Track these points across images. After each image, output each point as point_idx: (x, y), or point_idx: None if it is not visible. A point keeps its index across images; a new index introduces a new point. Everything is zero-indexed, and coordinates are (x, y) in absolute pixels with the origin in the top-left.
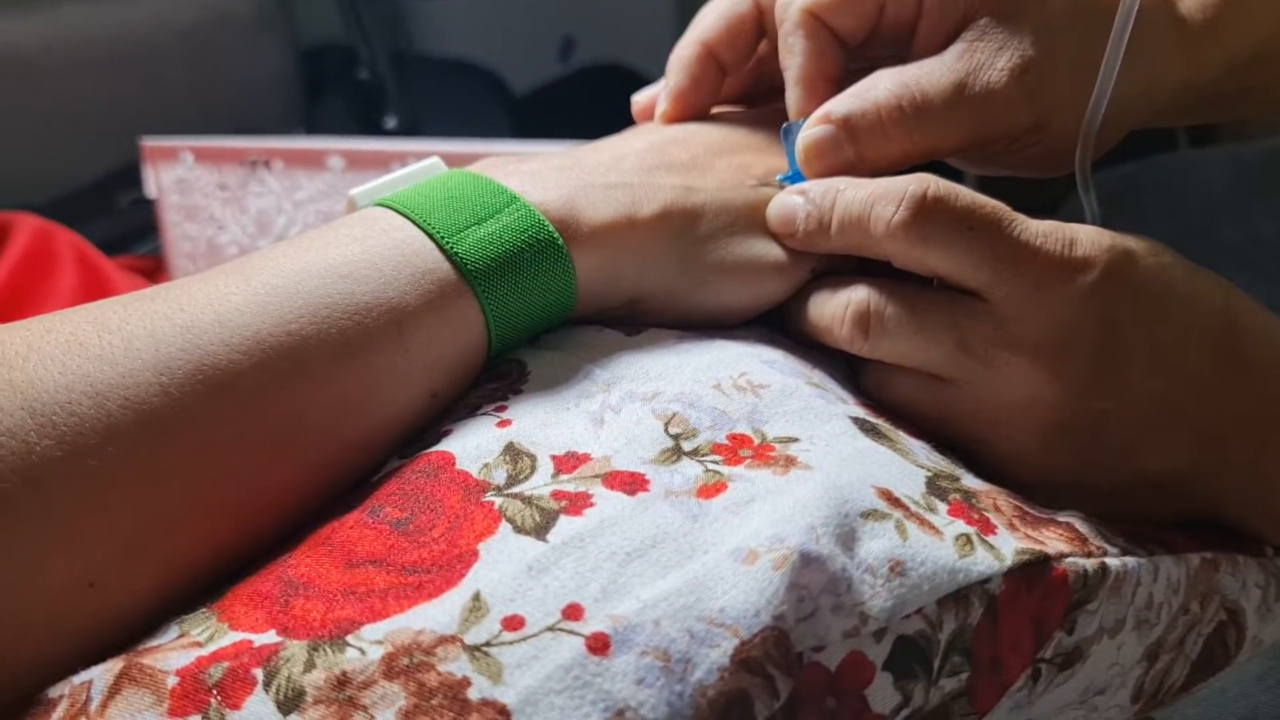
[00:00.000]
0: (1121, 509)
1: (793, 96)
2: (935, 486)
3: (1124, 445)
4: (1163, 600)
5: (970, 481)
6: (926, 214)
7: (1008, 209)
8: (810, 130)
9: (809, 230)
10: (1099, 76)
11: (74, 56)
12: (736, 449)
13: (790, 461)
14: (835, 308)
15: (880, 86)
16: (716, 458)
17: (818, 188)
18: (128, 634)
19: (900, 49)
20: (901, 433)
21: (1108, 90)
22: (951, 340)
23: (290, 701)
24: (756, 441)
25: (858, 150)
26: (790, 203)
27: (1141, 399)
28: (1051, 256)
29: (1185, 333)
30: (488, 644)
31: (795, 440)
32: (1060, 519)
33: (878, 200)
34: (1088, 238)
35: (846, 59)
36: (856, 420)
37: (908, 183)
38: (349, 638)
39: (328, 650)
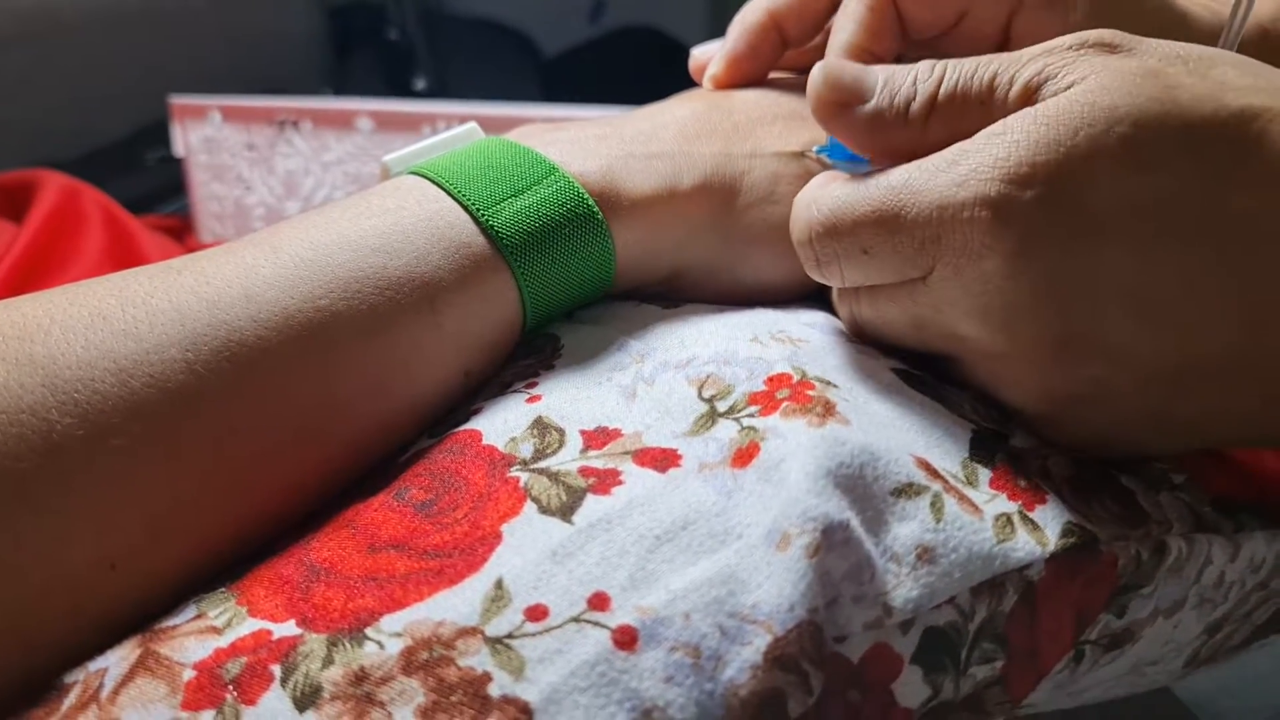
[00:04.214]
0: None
1: None
2: (981, 447)
3: (1156, 409)
4: (1235, 579)
5: (1020, 440)
6: (818, 256)
7: (895, 193)
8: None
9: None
10: None
11: (103, 13)
12: (773, 391)
13: (828, 410)
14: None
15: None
16: (752, 409)
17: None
18: (147, 615)
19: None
20: (948, 386)
21: None
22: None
23: (307, 698)
24: (795, 379)
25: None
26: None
27: (1136, 351)
28: (954, 244)
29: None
30: (509, 636)
31: (835, 386)
32: (1123, 481)
33: (797, 244)
34: (990, 209)
35: (902, 48)
36: (900, 372)
37: (795, 231)
38: (368, 630)
39: (346, 645)
